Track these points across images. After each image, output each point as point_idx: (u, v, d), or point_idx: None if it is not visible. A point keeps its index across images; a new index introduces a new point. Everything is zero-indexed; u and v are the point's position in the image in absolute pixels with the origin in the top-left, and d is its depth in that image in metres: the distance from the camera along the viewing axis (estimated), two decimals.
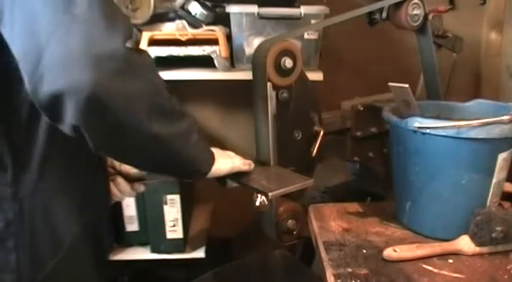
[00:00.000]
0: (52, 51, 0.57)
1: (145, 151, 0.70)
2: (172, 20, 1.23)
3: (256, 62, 0.94)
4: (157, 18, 1.20)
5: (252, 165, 0.92)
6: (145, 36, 1.24)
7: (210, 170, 0.82)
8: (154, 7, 1.00)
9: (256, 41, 1.22)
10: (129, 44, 0.61)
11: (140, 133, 0.65)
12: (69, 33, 0.57)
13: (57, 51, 0.57)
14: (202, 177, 0.83)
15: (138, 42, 1.27)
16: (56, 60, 0.57)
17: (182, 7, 1.23)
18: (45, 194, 0.73)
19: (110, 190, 0.90)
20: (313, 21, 1.26)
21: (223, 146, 0.99)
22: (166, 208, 1.34)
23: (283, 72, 0.94)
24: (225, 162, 0.86)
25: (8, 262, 0.70)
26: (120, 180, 0.91)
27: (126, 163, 0.84)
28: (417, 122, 0.87)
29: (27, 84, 0.59)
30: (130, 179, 0.93)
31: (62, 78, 0.57)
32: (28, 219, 0.71)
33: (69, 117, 0.59)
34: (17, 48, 0.60)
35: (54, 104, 0.58)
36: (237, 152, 0.96)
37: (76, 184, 0.77)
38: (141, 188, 0.94)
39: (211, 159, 0.83)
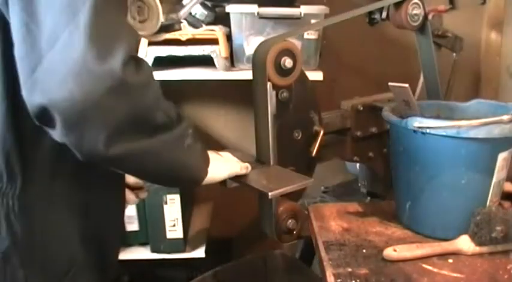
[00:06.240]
0: (51, 58, 0.55)
1: (135, 163, 0.66)
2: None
3: (256, 61, 0.94)
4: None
5: (249, 168, 0.91)
6: None
7: (205, 176, 0.79)
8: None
9: (256, 41, 1.22)
10: (129, 59, 0.58)
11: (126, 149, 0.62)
12: (71, 43, 0.55)
13: (56, 61, 0.55)
14: (197, 185, 0.80)
15: (138, 42, 1.27)
16: (53, 69, 0.55)
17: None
18: (55, 207, 0.70)
19: (123, 202, 0.89)
20: (313, 21, 1.26)
21: (223, 146, 0.99)
22: (166, 208, 1.34)
23: (283, 72, 0.94)
24: (222, 169, 0.85)
25: (16, 278, 0.68)
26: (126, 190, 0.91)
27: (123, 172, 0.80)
28: (417, 122, 0.87)
29: (22, 86, 0.57)
30: (130, 187, 0.94)
31: (55, 91, 0.55)
32: (39, 233, 0.68)
33: (58, 128, 0.57)
34: (18, 46, 0.57)
35: (43, 115, 0.56)
36: (236, 152, 0.96)
37: (88, 197, 0.74)
38: (145, 195, 0.98)
39: (204, 165, 0.79)
